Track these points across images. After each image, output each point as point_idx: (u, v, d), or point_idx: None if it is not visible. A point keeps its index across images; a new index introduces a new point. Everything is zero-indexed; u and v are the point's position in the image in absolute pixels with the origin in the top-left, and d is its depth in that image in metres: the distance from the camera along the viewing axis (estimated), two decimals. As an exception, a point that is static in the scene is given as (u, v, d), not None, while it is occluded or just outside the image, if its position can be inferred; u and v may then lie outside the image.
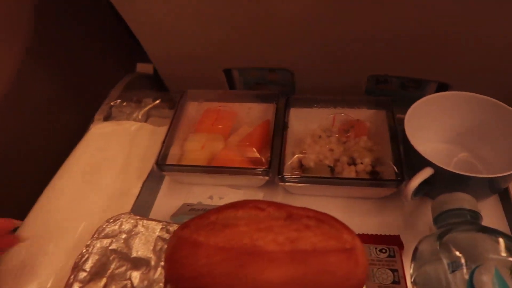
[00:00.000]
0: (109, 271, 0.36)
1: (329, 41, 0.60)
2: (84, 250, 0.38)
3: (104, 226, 0.40)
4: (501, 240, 0.34)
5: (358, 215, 0.46)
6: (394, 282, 0.39)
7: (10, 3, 0.51)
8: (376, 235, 0.44)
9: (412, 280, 0.37)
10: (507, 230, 0.44)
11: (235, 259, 0.30)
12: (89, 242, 0.39)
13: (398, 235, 0.43)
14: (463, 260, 0.32)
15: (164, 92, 0.72)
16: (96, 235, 0.39)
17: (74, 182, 0.51)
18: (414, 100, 0.48)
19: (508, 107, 0.46)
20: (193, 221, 0.34)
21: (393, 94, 0.67)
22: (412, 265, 0.37)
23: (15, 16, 0.53)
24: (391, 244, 0.42)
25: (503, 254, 0.33)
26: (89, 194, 0.49)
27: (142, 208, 0.47)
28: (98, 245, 0.39)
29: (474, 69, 0.59)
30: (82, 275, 0.36)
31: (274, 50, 0.65)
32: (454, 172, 0.40)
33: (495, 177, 0.41)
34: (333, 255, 0.30)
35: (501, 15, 0.48)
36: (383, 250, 0.41)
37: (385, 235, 0.44)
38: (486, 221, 0.38)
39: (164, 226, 0.40)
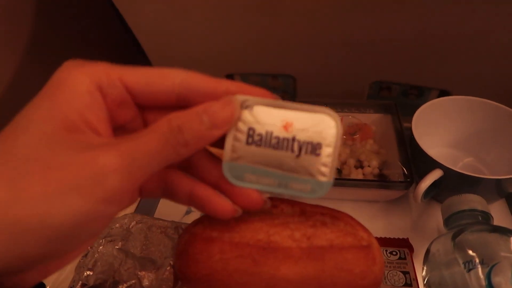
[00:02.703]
0: (116, 271, 0.35)
1: (332, 47, 0.60)
2: (90, 250, 0.37)
3: (109, 226, 0.39)
4: (514, 240, 0.34)
5: (366, 219, 0.45)
6: (406, 284, 0.38)
7: (12, 6, 0.51)
8: (385, 238, 0.43)
9: (425, 282, 0.36)
10: (515, 234, 0.44)
11: (250, 255, 0.29)
12: (94, 242, 0.38)
13: (407, 238, 0.43)
14: (477, 260, 0.32)
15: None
16: (102, 234, 0.38)
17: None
18: (415, 108, 0.48)
19: (510, 109, 0.46)
20: (206, 216, 0.33)
21: (394, 101, 0.68)
22: (425, 268, 0.37)
23: (17, 19, 0.52)
24: (400, 247, 0.42)
25: (518, 252, 0.33)
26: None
27: (146, 207, 0.46)
28: (104, 244, 0.37)
29: (475, 76, 0.60)
30: (87, 274, 0.35)
31: (277, 56, 0.65)
32: (463, 173, 0.40)
33: (503, 178, 0.41)
34: (350, 252, 0.30)
35: (499, 24, 0.49)
36: (394, 252, 0.41)
37: (394, 238, 0.43)
38: (494, 225, 0.38)
39: (171, 225, 0.39)
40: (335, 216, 0.32)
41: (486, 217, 0.38)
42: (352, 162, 0.47)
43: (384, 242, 0.42)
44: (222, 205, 0.25)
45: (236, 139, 0.24)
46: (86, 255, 0.37)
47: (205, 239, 0.30)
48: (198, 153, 0.25)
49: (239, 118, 0.23)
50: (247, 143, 0.24)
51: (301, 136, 0.24)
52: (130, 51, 0.68)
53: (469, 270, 0.32)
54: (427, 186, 0.40)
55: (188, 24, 0.60)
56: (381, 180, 0.45)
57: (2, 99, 0.50)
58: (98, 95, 0.21)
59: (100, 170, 0.18)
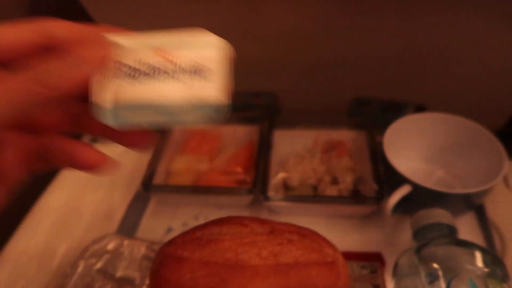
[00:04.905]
0: (94, 291, 0.36)
1: (313, 65, 0.62)
2: (69, 271, 0.38)
3: (89, 246, 0.40)
4: (476, 253, 0.35)
5: (341, 233, 0.47)
6: (376, 297, 0.39)
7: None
8: (358, 252, 0.45)
9: (394, 294, 0.38)
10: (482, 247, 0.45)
11: (219, 274, 0.30)
12: (73, 262, 0.39)
13: (380, 252, 0.44)
14: (440, 272, 0.34)
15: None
16: (81, 255, 0.40)
17: (59, 204, 0.51)
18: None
19: (479, 126, 0.48)
20: (179, 237, 0.34)
21: (374, 117, 0.70)
22: (393, 280, 0.38)
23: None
24: (373, 260, 0.43)
25: (478, 265, 0.34)
26: (74, 215, 0.49)
27: (127, 229, 0.47)
28: (83, 265, 0.39)
29: (450, 92, 0.62)
30: (66, 295, 0.36)
31: (259, 75, 0.67)
32: (431, 189, 0.42)
33: (470, 192, 0.42)
34: (314, 268, 0.31)
35: (474, 44, 0.51)
36: (366, 266, 0.42)
37: (367, 252, 0.45)
38: (463, 238, 0.40)
39: (149, 246, 0.40)
40: (303, 233, 0.34)
41: (451, 230, 0.39)
42: (327, 179, 0.49)
43: (357, 256, 0.44)
44: (87, 155, 0.23)
45: (110, 78, 0.22)
46: (65, 276, 0.38)
47: (176, 259, 0.32)
48: (76, 106, 0.24)
49: (110, 56, 0.21)
50: (123, 78, 0.22)
51: (184, 61, 0.22)
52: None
53: (431, 282, 0.33)
54: (395, 202, 0.42)
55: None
56: (352, 197, 0.46)
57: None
58: None
59: None
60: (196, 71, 0.22)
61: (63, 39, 0.21)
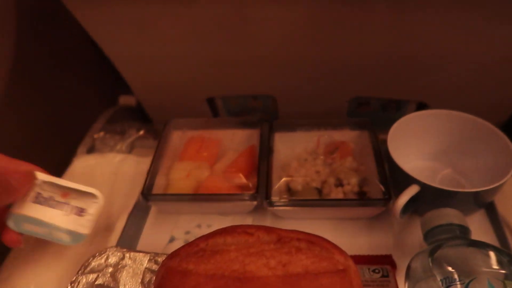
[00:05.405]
0: (95, 308, 0.35)
1: (310, 67, 0.61)
2: (69, 287, 0.37)
3: (89, 261, 0.39)
4: (491, 253, 0.34)
5: (348, 236, 0.46)
6: (389, 302, 0.38)
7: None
8: (368, 255, 0.43)
9: (407, 299, 0.36)
10: (495, 245, 0.44)
11: (226, 286, 0.29)
12: (74, 278, 0.38)
13: (390, 255, 0.43)
14: (456, 275, 0.32)
15: (148, 123, 0.72)
16: (81, 270, 0.38)
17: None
18: (394, 121, 0.49)
19: (485, 122, 0.47)
20: (182, 249, 0.33)
21: (374, 116, 0.69)
22: (407, 284, 0.37)
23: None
24: (383, 264, 0.42)
25: (495, 266, 0.33)
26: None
27: (128, 240, 0.46)
28: (84, 280, 0.37)
29: (451, 88, 0.61)
30: (66, 313, 0.35)
31: (257, 78, 0.66)
32: (440, 188, 0.41)
33: (480, 191, 0.41)
34: (326, 277, 0.30)
35: (473, 41, 0.50)
36: (376, 271, 0.41)
37: (377, 255, 0.43)
38: (475, 237, 0.38)
39: (152, 258, 0.39)
40: (311, 241, 0.32)
41: (464, 231, 0.38)
42: (332, 181, 0.47)
43: (367, 260, 0.42)
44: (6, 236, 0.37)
45: (26, 199, 0.37)
46: (65, 293, 0.37)
47: (180, 273, 0.30)
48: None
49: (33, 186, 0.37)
50: (33, 201, 0.37)
51: (74, 202, 0.38)
52: (113, 80, 0.69)
53: (447, 286, 0.32)
54: (404, 203, 0.41)
55: (166, 50, 0.60)
56: (359, 199, 0.45)
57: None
58: None
59: None
60: (78, 210, 0.39)
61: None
